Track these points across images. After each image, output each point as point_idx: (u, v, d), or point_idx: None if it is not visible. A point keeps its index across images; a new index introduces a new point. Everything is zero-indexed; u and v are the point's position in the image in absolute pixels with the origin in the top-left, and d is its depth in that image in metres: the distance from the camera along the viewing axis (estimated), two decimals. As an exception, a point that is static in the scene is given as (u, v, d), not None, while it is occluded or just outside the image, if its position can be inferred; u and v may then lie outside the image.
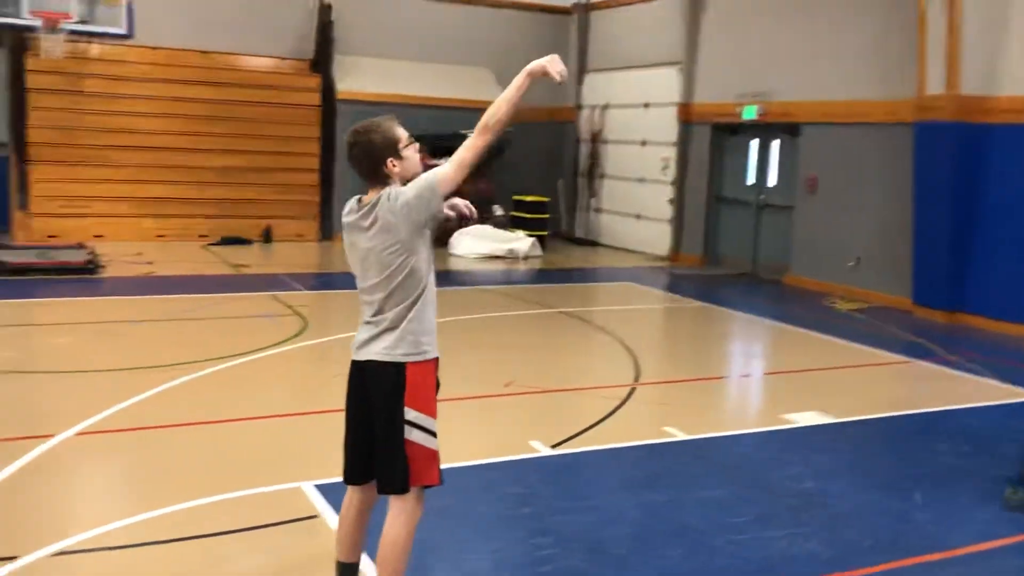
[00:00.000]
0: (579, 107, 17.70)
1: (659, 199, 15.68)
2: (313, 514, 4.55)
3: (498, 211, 16.18)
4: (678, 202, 15.31)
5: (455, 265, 14.12)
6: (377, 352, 3.14)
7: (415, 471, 3.17)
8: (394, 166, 3.13)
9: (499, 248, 14.73)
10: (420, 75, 16.37)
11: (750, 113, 13.63)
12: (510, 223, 16.06)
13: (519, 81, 3.16)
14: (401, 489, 3.18)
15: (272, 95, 15.14)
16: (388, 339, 3.14)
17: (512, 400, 6.83)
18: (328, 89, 15.43)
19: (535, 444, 5.75)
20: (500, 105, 3.12)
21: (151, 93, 14.40)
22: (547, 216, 16.16)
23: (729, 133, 14.60)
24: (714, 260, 14.86)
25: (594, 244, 17.07)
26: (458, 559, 4.15)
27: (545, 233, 16.13)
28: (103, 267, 11.57)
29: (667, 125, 15.38)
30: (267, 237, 15.05)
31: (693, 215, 15.11)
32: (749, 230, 14.24)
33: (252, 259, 13.23)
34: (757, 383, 7.99)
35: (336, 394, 6.52)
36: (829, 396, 7.32)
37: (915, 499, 5.13)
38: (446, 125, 16.03)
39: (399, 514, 3.18)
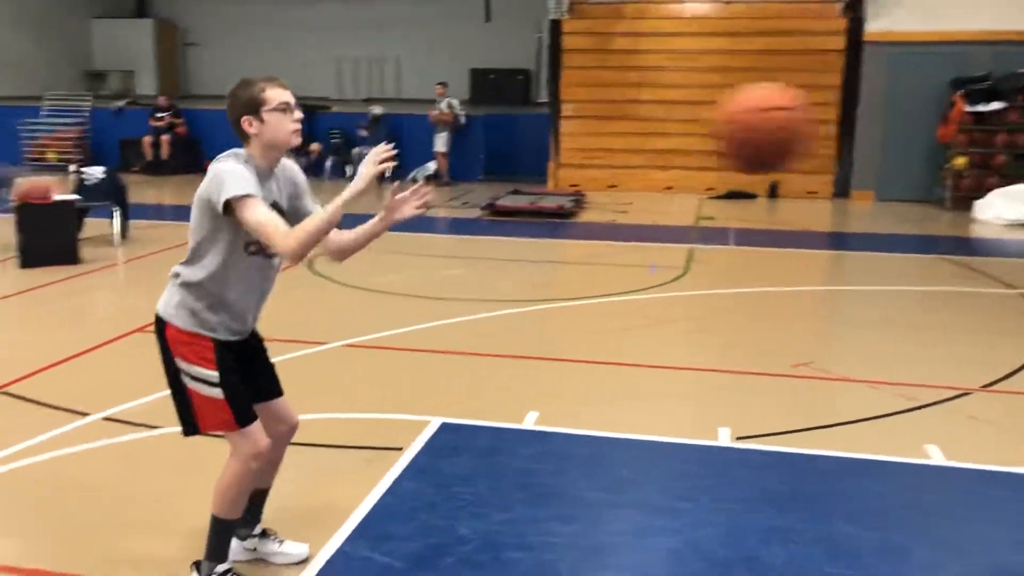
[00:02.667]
0: None
1: None
2: (399, 446, 4.60)
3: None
4: None
5: (975, 232, 11.92)
6: (161, 297, 3.19)
7: (201, 418, 3.14)
8: (250, 125, 3.08)
9: (1041, 213, 11.95)
10: (982, 4, 13.87)
11: None
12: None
13: (351, 193, 2.87)
14: (186, 432, 3.20)
15: (792, 42, 14.37)
16: (167, 288, 3.17)
17: (777, 381, 5.79)
18: (855, 31, 14.04)
19: (722, 431, 4.88)
20: (318, 227, 2.88)
21: (671, 47, 14.82)
22: None
23: None
24: None
25: None
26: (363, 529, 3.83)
27: None
28: (575, 214, 12.50)
29: None
30: (772, 192, 14.47)
31: None
32: None
33: (738, 214, 12.89)
34: None
35: (586, 346, 6.34)
36: None
37: None
38: (1010, 64, 13.43)
39: (228, 459, 3.22)
